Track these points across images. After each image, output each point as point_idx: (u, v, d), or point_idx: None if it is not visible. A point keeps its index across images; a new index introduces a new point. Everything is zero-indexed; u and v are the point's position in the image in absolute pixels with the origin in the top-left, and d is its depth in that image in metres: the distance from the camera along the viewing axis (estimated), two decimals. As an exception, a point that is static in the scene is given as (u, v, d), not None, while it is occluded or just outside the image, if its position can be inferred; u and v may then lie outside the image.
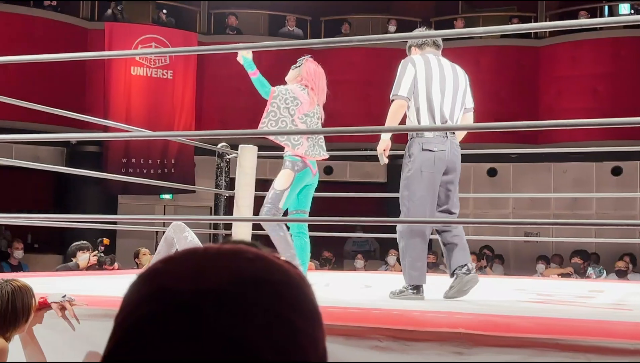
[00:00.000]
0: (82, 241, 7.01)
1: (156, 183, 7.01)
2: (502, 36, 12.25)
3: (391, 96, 4.12)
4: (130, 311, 0.65)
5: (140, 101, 11.69)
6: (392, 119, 4.10)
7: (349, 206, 11.89)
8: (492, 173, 12.89)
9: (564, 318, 2.94)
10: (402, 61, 4.18)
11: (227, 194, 6.26)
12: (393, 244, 10.50)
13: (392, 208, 12.01)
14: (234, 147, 6.19)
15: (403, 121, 4.21)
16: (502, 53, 12.27)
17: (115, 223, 7.52)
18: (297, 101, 4.64)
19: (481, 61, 12.21)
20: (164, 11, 12.58)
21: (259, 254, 0.69)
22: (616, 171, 11.79)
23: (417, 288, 3.96)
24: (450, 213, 4.16)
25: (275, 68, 12.22)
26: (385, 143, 4.15)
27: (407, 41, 4.37)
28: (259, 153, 6.00)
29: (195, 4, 13.05)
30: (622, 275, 8.50)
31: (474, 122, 4.41)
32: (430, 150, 4.00)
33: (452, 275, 4.03)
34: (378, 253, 12.52)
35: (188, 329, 0.61)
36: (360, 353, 2.41)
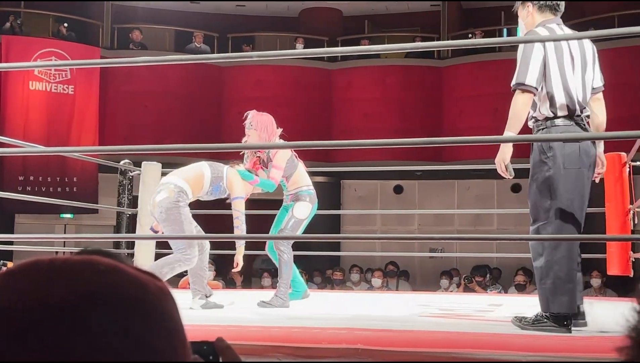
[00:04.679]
0: None
1: (53, 201, 6.71)
2: (407, 56, 12.53)
3: (514, 84, 3.19)
4: None
5: (39, 116, 11.25)
6: (516, 118, 3.16)
7: (261, 223, 11.79)
8: (398, 189, 13.12)
9: (460, 332, 3.00)
10: (525, 35, 3.30)
11: (129, 213, 6.11)
12: (301, 261, 10.51)
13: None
14: (138, 164, 6.05)
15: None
16: (407, 72, 12.53)
17: (12, 243, 7.19)
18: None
19: (387, 79, 12.44)
20: (65, 25, 12.21)
21: (112, 266, 0.63)
22: (515, 189, 12.22)
23: (561, 319, 3.06)
24: None
25: (183, 86, 12.14)
26: (509, 151, 3.29)
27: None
28: (163, 169, 5.88)
29: (99, 18, 12.75)
30: (521, 288, 8.78)
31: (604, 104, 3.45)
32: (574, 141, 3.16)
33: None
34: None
35: (19, 351, 0.56)
36: (260, 372, 2.37)
